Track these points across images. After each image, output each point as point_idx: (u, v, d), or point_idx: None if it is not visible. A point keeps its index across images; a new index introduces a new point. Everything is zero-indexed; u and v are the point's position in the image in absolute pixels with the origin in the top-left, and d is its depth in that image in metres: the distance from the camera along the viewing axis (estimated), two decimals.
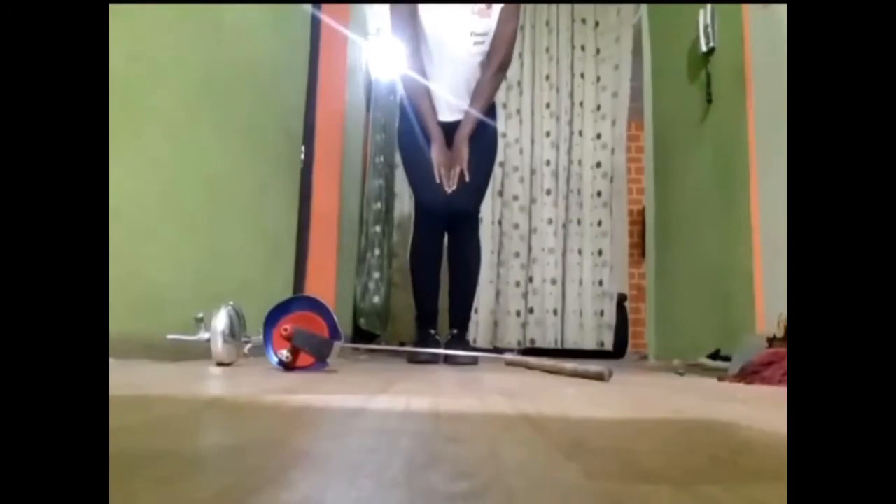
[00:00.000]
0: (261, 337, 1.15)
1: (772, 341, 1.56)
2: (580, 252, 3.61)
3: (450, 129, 2.17)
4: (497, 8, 2.08)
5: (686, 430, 0.53)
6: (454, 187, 2.09)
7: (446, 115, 2.19)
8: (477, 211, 2.31)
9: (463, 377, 1.24)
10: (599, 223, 3.65)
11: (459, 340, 2.22)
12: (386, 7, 2.32)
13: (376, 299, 3.09)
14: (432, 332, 2.24)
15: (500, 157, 3.30)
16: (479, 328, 3.46)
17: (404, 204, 3.46)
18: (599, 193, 3.67)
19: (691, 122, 2.66)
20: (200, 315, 1.17)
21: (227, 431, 0.46)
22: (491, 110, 2.26)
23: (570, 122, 3.70)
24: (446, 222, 2.23)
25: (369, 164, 3.20)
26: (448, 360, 1.98)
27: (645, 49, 3.38)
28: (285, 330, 1.11)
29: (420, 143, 2.16)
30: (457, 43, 2.09)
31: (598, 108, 3.72)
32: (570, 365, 1.36)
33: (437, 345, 2.18)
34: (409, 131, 2.22)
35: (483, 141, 2.20)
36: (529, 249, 3.60)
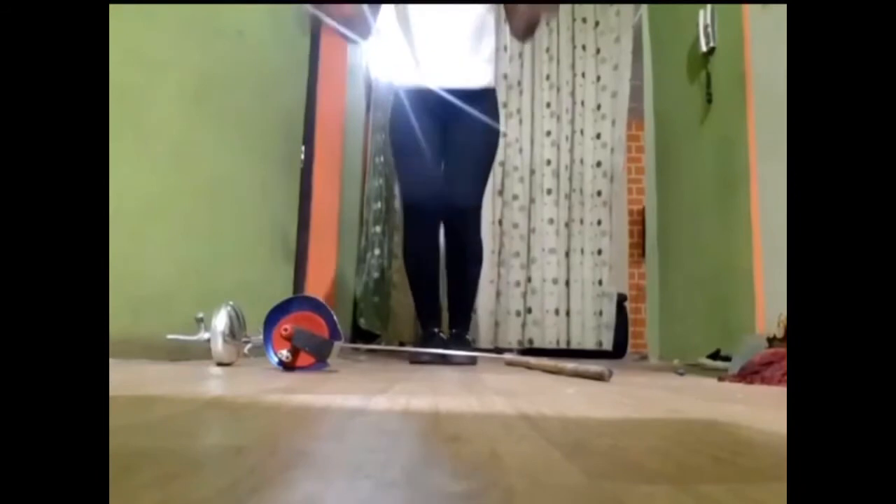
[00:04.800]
0: (261, 337, 1.15)
1: (772, 341, 1.56)
2: (582, 251, 3.61)
3: (446, 101, 2.05)
4: None
5: (686, 430, 0.53)
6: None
7: (443, 80, 2.07)
8: (478, 206, 2.13)
9: (463, 377, 1.24)
10: (599, 223, 3.65)
11: (459, 339, 2.18)
12: (386, 7, 2.30)
13: (376, 299, 3.09)
14: (436, 329, 2.18)
15: (500, 156, 3.29)
16: (479, 328, 3.46)
17: None
18: (599, 193, 3.67)
19: (691, 122, 2.66)
20: (200, 315, 1.17)
21: (227, 431, 0.46)
22: (493, 106, 2.20)
23: (571, 121, 3.70)
24: (439, 217, 2.10)
25: (369, 164, 3.21)
26: (447, 359, 1.96)
27: (645, 49, 3.38)
28: (285, 330, 1.11)
29: (413, 128, 2.06)
30: None
31: (599, 107, 3.72)
32: (570, 365, 1.36)
33: (441, 342, 2.11)
34: (401, 112, 2.12)
35: (482, 131, 2.14)
36: (529, 249, 3.60)
